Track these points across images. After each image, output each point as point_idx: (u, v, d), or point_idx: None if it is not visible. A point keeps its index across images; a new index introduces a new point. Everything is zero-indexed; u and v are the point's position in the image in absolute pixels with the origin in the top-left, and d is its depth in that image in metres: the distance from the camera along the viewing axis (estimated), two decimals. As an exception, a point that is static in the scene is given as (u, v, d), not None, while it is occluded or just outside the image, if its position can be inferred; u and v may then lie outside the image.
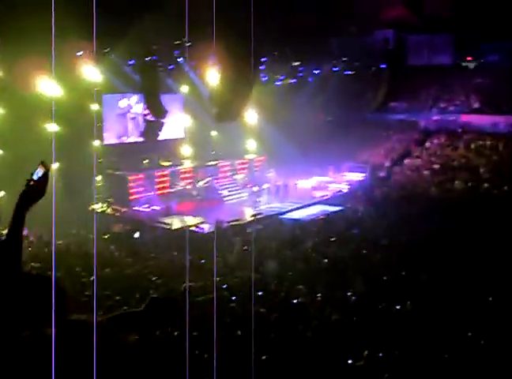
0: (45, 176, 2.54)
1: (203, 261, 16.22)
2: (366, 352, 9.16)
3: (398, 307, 12.07)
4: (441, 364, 8.88)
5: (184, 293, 12.70)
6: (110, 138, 29.82)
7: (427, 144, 33.63)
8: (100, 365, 1.08)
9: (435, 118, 35.49)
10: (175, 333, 9.16)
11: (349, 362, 8.97)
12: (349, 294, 13.41)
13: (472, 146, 31.80)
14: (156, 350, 7.54)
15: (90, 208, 25.41)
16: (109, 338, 1.08)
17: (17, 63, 20.18)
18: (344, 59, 37.03)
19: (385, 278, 14.77)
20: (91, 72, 24.27)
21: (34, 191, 2.45)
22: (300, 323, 11.07)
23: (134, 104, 30.62)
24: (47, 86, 22.33)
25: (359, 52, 37.42)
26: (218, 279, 14.66)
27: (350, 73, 37.63)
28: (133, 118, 30.95)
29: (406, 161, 32.23)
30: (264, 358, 8.91)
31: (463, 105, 35.49)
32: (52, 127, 21.27)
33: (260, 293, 12.83)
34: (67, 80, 23.33)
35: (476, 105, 34.91)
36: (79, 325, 1.09)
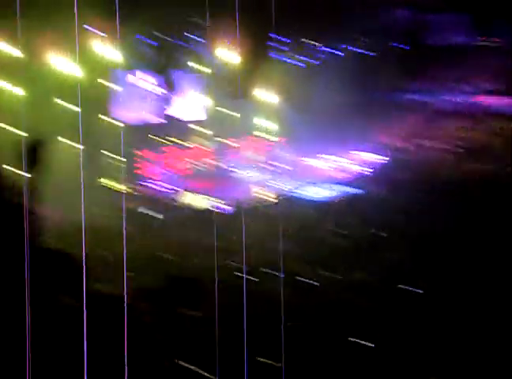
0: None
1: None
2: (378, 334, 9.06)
3: (414, 291, 11.95)
4: (450, 351, 8.72)
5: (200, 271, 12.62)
6: (128, 116, 29.62)
7: (447, 126, 33.09)
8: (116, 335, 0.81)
9: (455, 99, 34.90)
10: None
11: (362, 343, 8.89)
12: (366, 277, 13.33)
13: (494, 128, 31.23)
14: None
15: (104, 185, 25.35)
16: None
17: (35, 41, 20.10)
18: (363, 39, 36.46)
19: (403, 262, 14.65)
20: (108, 49, 24.06)
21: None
22: (315, 303, 11.00)
23: (151, 82, 30.38)
24: (58, 62, 22.28)
25: (378, 33, 36.84)
26: (232, 260, 14.61)
27: (368, 52, 37.09)
28: (151, 96, 30.72)
29: (425, 143, 31.76)
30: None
31: (483, 86, 34.83)
32: (60, 102, 21.16)
33: (282, 275, 12.77)
34: (84, 57, 23.16)
35: (496, 86, 34.25)
36: (98, 296, 0.83)
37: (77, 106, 22.26)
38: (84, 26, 22.48)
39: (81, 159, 23.40)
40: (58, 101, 22.84)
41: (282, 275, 12.35)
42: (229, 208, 23.08)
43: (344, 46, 36.24)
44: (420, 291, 11.68)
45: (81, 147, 24.09)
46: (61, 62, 22.46)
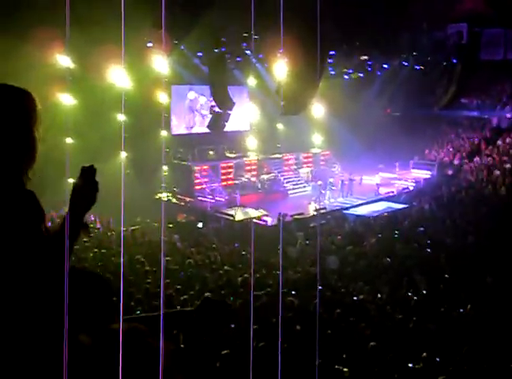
0: (93, 180, 2.13)
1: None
2: (424, 354, 8.99)
3: (461, 310, 11.79)
4: (501, 371, 8.62)
5: (244, 284, 12.83)
6: (177, 129, 30.26)
7: (499, 143, 32.61)
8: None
9: (508, 115, 34.39)
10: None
11: (409, 364, 8.82)
12: (411, 293, 13.21)
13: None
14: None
15: (156, 197, 25.90)
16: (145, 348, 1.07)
17: (89, 53, 20.63)
18: (415, 54, 36.25)
19: (448, 279, 14.45)
20: (160, 63, 24.60)
21: (83, 198, 2.10)
22: (360, 321, 10.94)
23: (202, 95, 30.93)
24: (118, 76, 22.78)
25: (431, 46, 36.56)
26: (279, 272, 14.65)
27: (420, 67, 36.85)
28: (201, 109, 31.28)
29: (476, 160, 31.37)
30: (322, 354, 8.85)
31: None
32: (121, 117, 21.69)
33: (320, 288, 12.75)
34: (137, 70, 23.75)
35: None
36: (116, 333, 1.07)
37: (134, 119, 22.90)
38: (144, 42, 23.08)
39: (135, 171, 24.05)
40: (111, 113, 23.49)
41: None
42: (271, 220, 23.29)
43: (395, 60, 36.18)
44: (461, 310, 11.58)
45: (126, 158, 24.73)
46: (115, 75, 23.05)
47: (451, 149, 33.22)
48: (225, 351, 7.62)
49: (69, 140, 22.37)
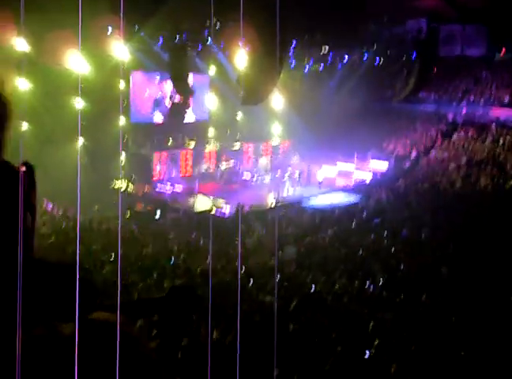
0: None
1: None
2: (377, 341, 9.12)
3: (416, 299, 11.98)
4: (454, 359, 8.79)
5: (201, 274, 12.80)
6: (136, 116, 29.84)
7: (455, 137, 33.15)
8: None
9: (464, 110, 34.97)
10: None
11: (366, 351, 8.93)
12: (367, 284, 13.36)
13: (501, 141, 31.27)
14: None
15: (113, 186, 25.55)
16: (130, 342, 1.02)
17: (46, 38, 20.20)
18: (375, 47, 36.57)
19: (404, 269, 14.67)
20: (120, 49, 24.24)
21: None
22: (317, 311, 11.02)
23: (162, 83, 30.60)
24: (75, 61, 22.37)
25: (391, 41, 36.92)
26: (236, 262, 14.64)
27: (380, 61, 37.19)
28: (161, 97, 30.96)
29: (432, 153, 31.85)
30: (280, 344, 8.89)
31: (493, 98, 34.88)
32: (79, 103, 21.30)
33: (277, 279, 12.77)
34: (96, 56, 23.36)
35: (507, 99, 34.29)
36: (99, 324, 1.02)
37: (91, 105, 22.48)
38: (103, 27, 22.69)
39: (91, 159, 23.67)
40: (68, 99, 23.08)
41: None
42: (229, 210, 23.19)
43: (355, 53, 36.43)
44: (415, 299, 11.78)
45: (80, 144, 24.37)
46: (73, 60, 22.63)
47: (408, 142, 33.66)
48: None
49: (24, 125, 21.94)
